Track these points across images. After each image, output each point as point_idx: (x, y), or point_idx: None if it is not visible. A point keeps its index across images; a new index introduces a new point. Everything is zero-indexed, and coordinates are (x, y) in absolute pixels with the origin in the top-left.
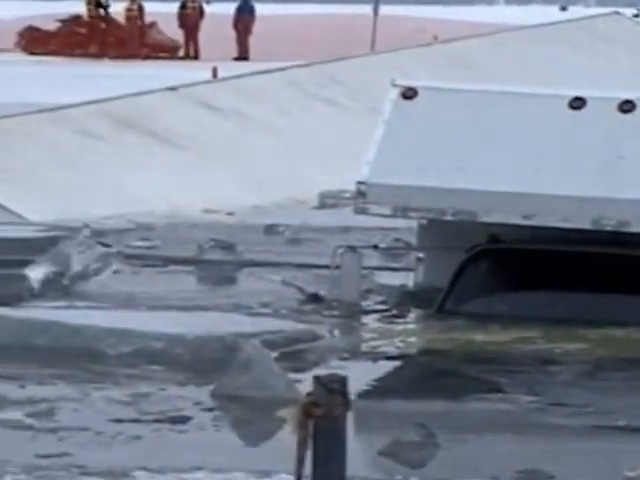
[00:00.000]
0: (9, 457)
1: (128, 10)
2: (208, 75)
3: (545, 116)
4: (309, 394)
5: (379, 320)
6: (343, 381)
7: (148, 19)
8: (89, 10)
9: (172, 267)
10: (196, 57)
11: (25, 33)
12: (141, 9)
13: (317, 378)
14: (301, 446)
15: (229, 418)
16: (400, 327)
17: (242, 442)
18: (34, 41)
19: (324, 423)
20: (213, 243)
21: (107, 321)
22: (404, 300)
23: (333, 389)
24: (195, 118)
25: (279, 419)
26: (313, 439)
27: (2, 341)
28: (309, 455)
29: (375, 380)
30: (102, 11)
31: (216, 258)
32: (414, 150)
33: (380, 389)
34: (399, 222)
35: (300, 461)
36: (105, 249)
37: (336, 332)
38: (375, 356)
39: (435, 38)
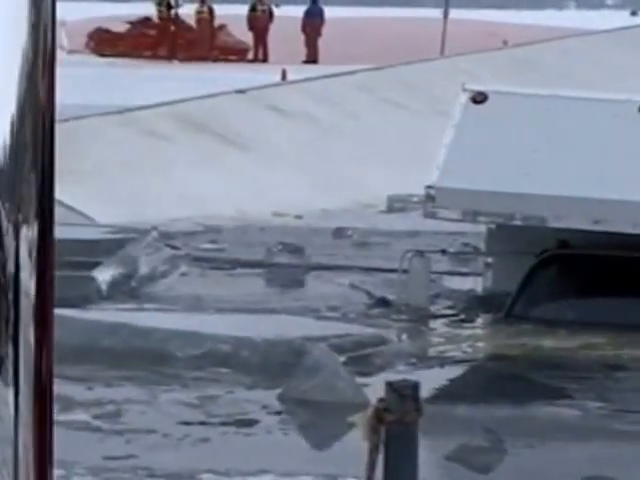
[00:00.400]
0: (76, 458)
1: (199, 12)
2: (277, 78)
3: (615, 121)
4: (381, 400)
5: (447, 325)
6: (415, 387)
7: (217, 21)
8: (160, 12)
9: (240, 270)
10: (265, 60)
11: (94, 35)
12: (211, 12)
13: (390, 384)
14: (373, 451)
15: (296, 422)
16: (468, 332)
17: (309, 446)
18: (103, 43)
19: (396, 429)
20: (281, 246)
21: (175, 323)
22: (472, 305)
23: (406, 395)
24: (264, 121)
25: (349, 424)
26: (385, 444)
27: (70, 343)
28: (380, 460)
29: (443, 385)
30: (173, 13)
31: (284, 261)
32: (484, 154)
33: (447, 394)
34: (468, 226)
35: (371, 466)
36: (173, 251)
37: (404, 336)
38: (443, 361)
39: (505, 42)
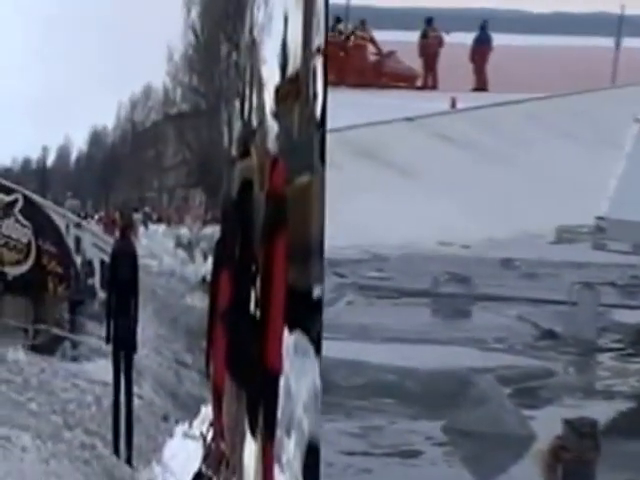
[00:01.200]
0: None
1: (357, 39)
2: (446, 106)
3: None
4: (558, 437)
5: (615, 359)
6: (594, 425)
7: (387, 47)
8: (331, 37)
9: (406, 299)
10: (434, 87)
11: None
12: (372, 39)
13: (568, 422)
14: None
15: (461, 453)
16: (636, 366)
17: (474, 479)
18: None
19: (574, 467)
20: (448, 276)
21: (340, 352)
22: None
23: (584, 433)
24: (432, 149)
25: (515, 456)
26: None
27: None
28: None
29: (610, 420)
30: (343, 38)
31: (450, 291)
32: None
33: (614, 429)
34: (638, 259)
35: None
36: (339, 279)
37: (571, 370)
38: (610, 395)
39: None
